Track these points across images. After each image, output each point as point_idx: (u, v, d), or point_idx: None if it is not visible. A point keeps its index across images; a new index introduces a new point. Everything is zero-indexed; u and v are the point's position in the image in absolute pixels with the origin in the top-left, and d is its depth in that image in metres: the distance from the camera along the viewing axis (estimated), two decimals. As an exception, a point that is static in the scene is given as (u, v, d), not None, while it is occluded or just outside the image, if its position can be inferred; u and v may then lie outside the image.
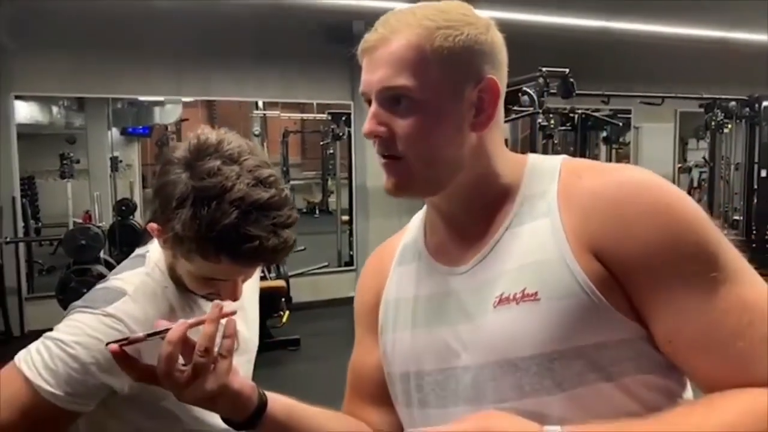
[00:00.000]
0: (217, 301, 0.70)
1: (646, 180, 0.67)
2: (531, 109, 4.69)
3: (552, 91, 4.18)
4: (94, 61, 5.19)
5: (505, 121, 5.15)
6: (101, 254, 4.58)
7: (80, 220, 5.31)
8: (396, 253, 0.85)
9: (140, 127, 7.41)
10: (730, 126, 6.02)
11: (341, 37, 5.37)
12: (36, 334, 0.94)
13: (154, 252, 1.03)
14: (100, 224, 5.05)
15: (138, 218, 5.64)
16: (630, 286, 0.64)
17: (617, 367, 0.65)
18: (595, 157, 6.72)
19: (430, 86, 0.68)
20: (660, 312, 0.64)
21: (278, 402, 0.76)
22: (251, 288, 1.11)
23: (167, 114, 7.39)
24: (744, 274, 0.65)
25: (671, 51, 6.56)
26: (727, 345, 0.62)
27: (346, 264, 6.63)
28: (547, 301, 0.65)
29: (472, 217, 0.75)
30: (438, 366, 0.73)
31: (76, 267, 4.36)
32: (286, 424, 0.76)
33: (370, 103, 0.71)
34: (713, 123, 5.87)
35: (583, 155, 6.45)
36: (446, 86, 0.68)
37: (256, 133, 7.19)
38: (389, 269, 0.85)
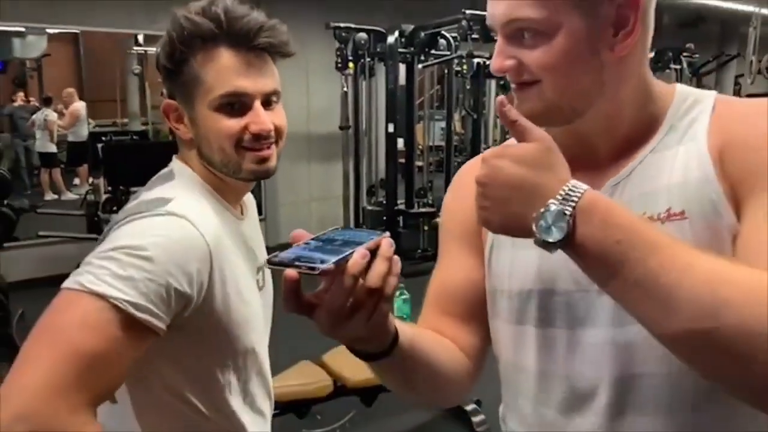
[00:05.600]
0: (386, 238, 0.59)
1: None
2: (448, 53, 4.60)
3: (474, 36, 4.11)
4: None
5: (424, 66, 4.99)
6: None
7: None
8: None
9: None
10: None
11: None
12: None
13: (177, 181, 0.92)
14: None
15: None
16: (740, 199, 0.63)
17: None
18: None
19: (555, 10, 0.63)
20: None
21: (406, 331, 0.69)
22: (260, 237, 1.06)
23: (28, 47, 6.46)
24: None
25: None
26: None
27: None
28: (696, 221, 0.64)
29: (611, 144, 0.72)
30: (571, 287, 0.71)
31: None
32: (411, 354, 0.70)
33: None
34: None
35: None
36: (575, 6, 0.63)
37: (136, 71, 6.69)
38: None
